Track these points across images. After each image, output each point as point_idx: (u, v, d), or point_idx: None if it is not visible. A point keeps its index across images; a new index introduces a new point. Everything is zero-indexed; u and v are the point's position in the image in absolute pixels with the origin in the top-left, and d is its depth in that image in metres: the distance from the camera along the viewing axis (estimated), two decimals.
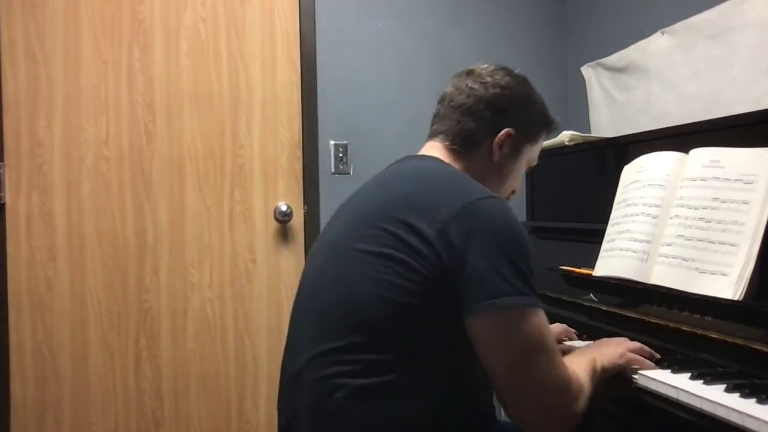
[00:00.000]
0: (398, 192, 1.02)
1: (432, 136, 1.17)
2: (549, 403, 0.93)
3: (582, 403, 0.95)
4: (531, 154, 1.20)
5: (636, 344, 1.12)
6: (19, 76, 2.03)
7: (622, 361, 1.07)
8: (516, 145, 1.15)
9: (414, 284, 0.92)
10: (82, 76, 2.08)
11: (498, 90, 1.12)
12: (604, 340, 1.17)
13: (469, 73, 1.16)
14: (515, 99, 1.14)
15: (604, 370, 1.04)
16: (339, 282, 0.99)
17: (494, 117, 1.12)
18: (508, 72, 1.16)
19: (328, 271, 1.03)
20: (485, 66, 1.16)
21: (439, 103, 1.18)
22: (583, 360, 1.03)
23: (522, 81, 1.17)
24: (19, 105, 2.03)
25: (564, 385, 0.93)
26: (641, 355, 1.10)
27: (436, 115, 1.18)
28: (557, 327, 1.37)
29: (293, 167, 2.28)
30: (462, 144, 1.13)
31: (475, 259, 0.90)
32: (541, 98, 1.19)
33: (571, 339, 1.37)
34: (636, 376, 1.07)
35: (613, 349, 1.09)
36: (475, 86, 1.13)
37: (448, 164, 1.10)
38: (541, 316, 0.93)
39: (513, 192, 1.22)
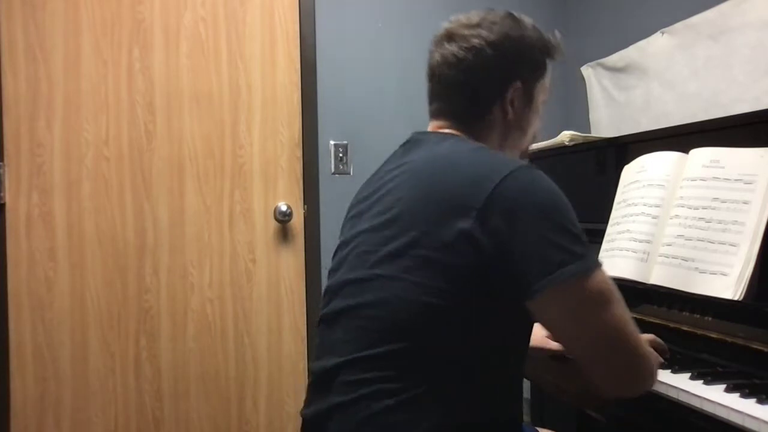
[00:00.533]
0: (423, 191, 0.94)
1: (436, 116, 1.09)
2: (638, 352, 0.89)
3: (654, 354, 0.94)
4: (544, 88, 1.11)
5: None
6: (19, 76, 2.03)
7: None
8: (527, 93, 1.07)
9: (452, 285, 0.88)
10: (82, 76, 2.08)
11: (490, 51, 1.02)
12: None
13: (450, 37, 1.05)
14: (511, 51, 1.03)
15: None
16: (375, 288, 0.94)
17: (496, 80, 1.04)
18: (491, 21, 1.04)
19: (362, 276, 0.97)
20: (464, 21, 1.05)
21: (429, 79, 1.09)
22: None
23: (509, 23, 1.04)
24: (19, 105, 2.03)
25: (638, 331, 0.90)
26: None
27: (433, 95, 1.09)
28: None
29: (293, 167, 2.28)
30: (470, 119, 1.05)
31: (523, 240, 0.86)
32: (534, 29, 1.07)
33: None
34: None
35: None
36: (462, 54, 1.02)
37: (464, 139, 1.03)
38: (601, 273, 0.88)
39: (535, 136, 1.15)
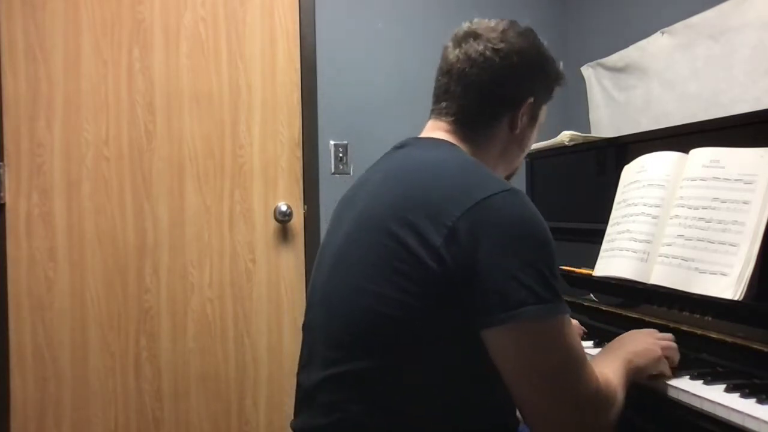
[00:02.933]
0: (402, 191, 0.91)
1: (440, 114, 1.05)
2: (577, 418, 0.84)
3: (614, 412, 0.88)
4: (543, 113, 1.11)
5: (667, 342, 1.06)
6: (19, 76, 2.03)
7: (660, 365, 1.02)
8: (534, 112, 1.07)
9: (417, 299, 0.84)
10: (82, 76, 2.08)
11: (515, 59, 1.01)
12: (634, 332, 1.10)
13: (476, 36, 1.02)
14: (533, 65, 1.04)
15: (639, 370, 0.98)
16: (343, 298, 0.92)
17: (515, 89, 1.02)
18: (517, 31, 1.03)
19: (334, 284, 0.96)
20: (491, 24, 1.03)
21: (443, 75, 1.04)
22: (617, 361, 0.96)
23: (533, 37, 1.05)
24: (19, 105, 2.03)
25: (593, 397, 0.85)
26: (671, 353, 1.05)
27: (444, 93, 1.04)
28: None
29: (293, 167, 2.28)
30: (477, 124, 1.02)
31: (489, 265, 0.81)
32: (548, 50, 1.08)
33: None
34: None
35: (650, 350, 1.02)
36: (489, 54, 1.00)
37: (457, 149, 1.00)
38: (565, 324, 0.84)
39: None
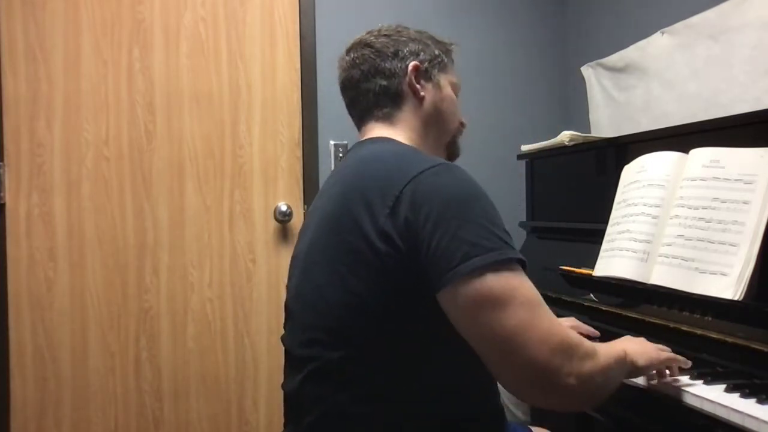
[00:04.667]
0: (351, 185, 0.97)
1: (362, 121, 1.15)
2: (538, 363, 0.79)
3: (586, 368, 0.82)
4: (451, 80, 1.18)
5: (668, 354, 1.04)
6: (19, 76, 2.03)
7: (657, 362, 1.01)
8: (429, 76, 1.14)
9: (380, 285, 0.88)
10: (82, 76, 2.08)
11: (384, 39, 1.14)
12: (638, 339, 1.07)
13: (348, 50, 1.16)
14: (402, 39, 1.15)
15: (635, 365, 0.96)
16: (314, 298, 0.96)
17: (395, 62, 1.12)
18: (378, 29, 1.18)
19: (305, 290, 1.00)
20: (357, 37, 1.17)
21: (343, 92, 1.17)
22: (613, 347, 0.94)
23: (395, 26, 1.19)
24: (19, 105, 2.03)
25: (553, 339, 0.80)
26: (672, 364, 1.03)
27: (351, 104, 1.17)
28: (568, 321, 1.36)
29: (293, 167, 2.28)
30: (392, 105, 1.12)
31: (432, 233, 0.84)
32: (420, 30, 1.21)
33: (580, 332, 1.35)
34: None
35: (649, 353, 1.01)
36: (359, 53, 1.13)
37: (391, 140, 1.07)
38: (510, 268, 0.83)
39: (462, 124, 1.20)
